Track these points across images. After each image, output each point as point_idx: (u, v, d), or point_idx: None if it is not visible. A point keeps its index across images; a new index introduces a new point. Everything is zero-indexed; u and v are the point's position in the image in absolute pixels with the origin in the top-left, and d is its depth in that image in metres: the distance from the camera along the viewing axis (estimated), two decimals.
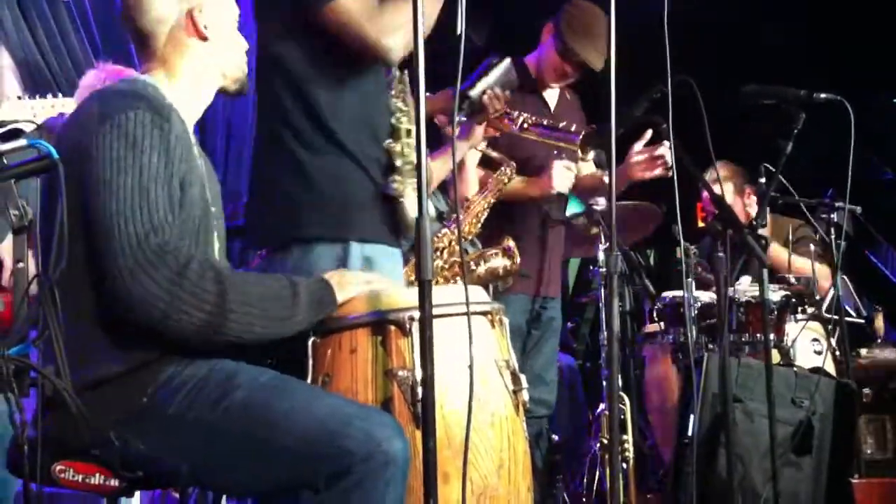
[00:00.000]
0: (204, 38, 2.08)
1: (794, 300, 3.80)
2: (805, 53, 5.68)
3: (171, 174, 1.88)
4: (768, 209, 3.84)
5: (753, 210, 4.54)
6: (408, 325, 1.96)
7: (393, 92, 2.43)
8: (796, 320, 3.88)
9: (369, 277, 2.11)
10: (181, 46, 2.07)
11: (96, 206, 1.82)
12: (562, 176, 3.46)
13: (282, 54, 2.34)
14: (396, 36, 2.25)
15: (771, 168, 3.29)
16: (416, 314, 1.88)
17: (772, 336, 3.50)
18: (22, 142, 1.65)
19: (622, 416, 3.59)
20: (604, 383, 3.60)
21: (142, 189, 1.83)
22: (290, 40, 2.33)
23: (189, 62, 2.08)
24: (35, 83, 4.02)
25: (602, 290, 3.71)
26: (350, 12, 2.25)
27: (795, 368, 3.56)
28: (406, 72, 2.48)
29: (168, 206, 1.85)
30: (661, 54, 2.42)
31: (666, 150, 3.36)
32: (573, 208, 4.02)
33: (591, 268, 4.14)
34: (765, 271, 3.06)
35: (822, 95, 3.15)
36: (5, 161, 1.60)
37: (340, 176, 2.30)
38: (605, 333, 3.56)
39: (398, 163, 2.35)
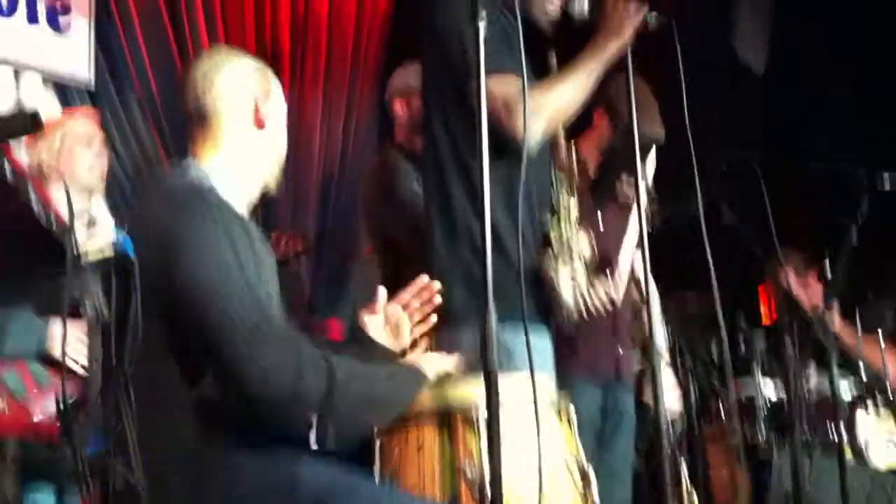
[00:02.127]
0: (262, 127, 2.10)
1: (865, 397, 3.71)
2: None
3: (248, 264, 1.88)
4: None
5: (816, 292, 4.40)
6: (475, 421, 1.95)
7: (556, 165, 2.50)
8: (867, 412, 3.77)
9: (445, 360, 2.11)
10: (241, 131, 2.08)
11: (194, 307, 1.81)
12: None
13: (444, 127, 2.46)
14: (532, 124, 2.24)
15: (835, 254, 3.22)
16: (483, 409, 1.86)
17: (844, 433, 3.40)
18: None
19: None
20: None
21: (232, 280, 1.82)
22: (451, 114, 2.44)
23: (246, 149, 2.08)
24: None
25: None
26: (491, 93, 2.22)
27: (871, 468, 3.46)
28: (573, 142, 2.58)
29: (261, 291, 1.86)
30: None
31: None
32: None
33: None
34: (836, 371, 3.00)
35: (885, 175, 3.12)
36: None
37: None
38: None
39: (553, 236, 2.40)
